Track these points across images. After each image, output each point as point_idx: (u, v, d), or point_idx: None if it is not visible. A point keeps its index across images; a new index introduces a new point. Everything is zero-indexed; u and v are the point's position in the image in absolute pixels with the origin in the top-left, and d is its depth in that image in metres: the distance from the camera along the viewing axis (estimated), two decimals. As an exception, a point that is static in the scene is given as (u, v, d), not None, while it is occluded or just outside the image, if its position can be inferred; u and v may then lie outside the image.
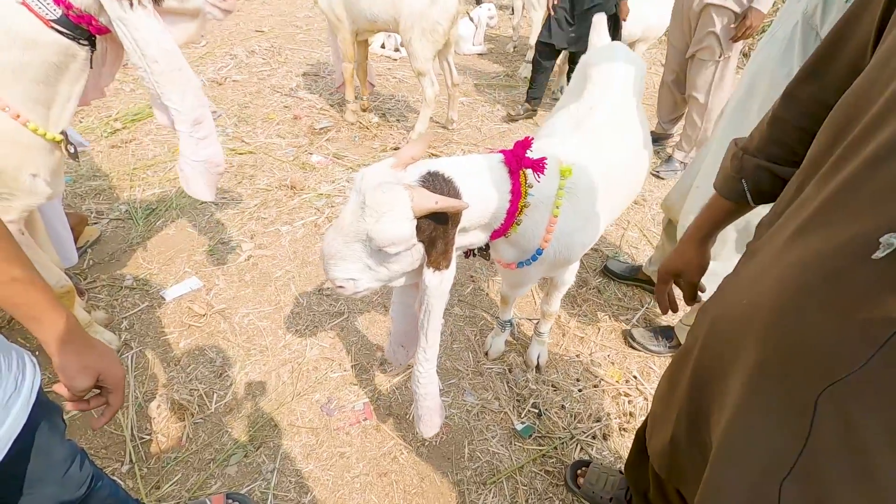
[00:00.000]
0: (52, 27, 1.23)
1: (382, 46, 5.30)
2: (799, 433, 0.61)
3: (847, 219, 0.57)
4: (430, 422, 1.31)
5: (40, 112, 1.33)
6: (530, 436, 1.77)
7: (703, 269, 1.02)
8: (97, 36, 1.36)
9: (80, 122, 3.41)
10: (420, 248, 1.02)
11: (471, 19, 5.50)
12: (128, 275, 2.28)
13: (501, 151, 1.16)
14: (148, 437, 1.67)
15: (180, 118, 1.48)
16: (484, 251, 1.34)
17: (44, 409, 0.77)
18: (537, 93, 3.99)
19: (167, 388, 1.83)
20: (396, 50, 5.25)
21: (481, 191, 1.09)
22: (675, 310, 1.12)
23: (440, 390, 1.33)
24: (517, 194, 1.13)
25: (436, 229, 1.00)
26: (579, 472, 1.60)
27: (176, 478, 1.57)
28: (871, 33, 0.66)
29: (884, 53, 0.61)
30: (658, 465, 1.02)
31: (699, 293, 1.08)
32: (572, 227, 1.31)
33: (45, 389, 1.74)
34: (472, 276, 2.44)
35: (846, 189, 0.58)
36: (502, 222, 1.17)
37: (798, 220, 0.65)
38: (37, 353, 1.90)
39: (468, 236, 1.17)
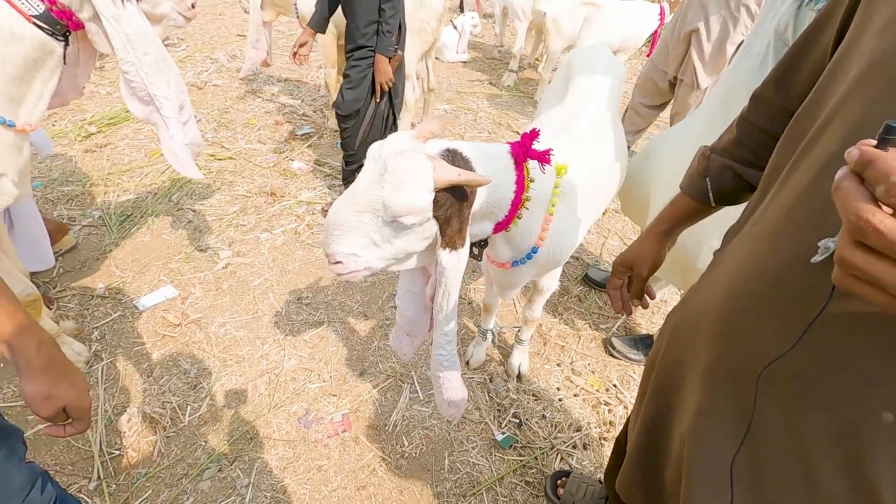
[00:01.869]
0: (34, 22, 1.23)
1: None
2: (744, 417, 0.65)
3: (792, 228, 0.59)
4: (457, 404, 1.27)
5: (11, 109, 1.32)
6: (511, 446, 1.76)
7: (656, 264, 1.01)
8: (72, 33, 1.36)
9: (54, 125, 3.33)
10: (432, 225, 0.99)
11: (454, 27, 5.53)
12: (100, 283, 2.22)
13: (509, 143, 1.16)
14: (118, 453, 1.62)
15: (168, 104, 1.50)
16: (477, 250, 1.34)
17: (0, 435, 0.74)
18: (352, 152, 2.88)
19: (139, 401, 1.77)
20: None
21: (494, 176, 1.08)
22: (628, 311, 1.09)
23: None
24: (521, 186, 1.14)
25: (452, 205, 0.98)
26: (559, 482, 1.60)
27: (146, 494, 1.52)
28: (829, 45, 0.68)
29: (830, 69, 0.63)
30: (619, 483, 1.00)
31: (647, 297, 1.07)
32: (565, 226, 1.33)
33: (7, 405, 1.68)
34: (453, 285, 2.43)
35: (792, 200, 0.60)
36: (506, 214, 1.17)
37: (753, 229, 0.68)
38: (1, 364, 1.84)
39: (475, 225, 1.15)
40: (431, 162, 0.93)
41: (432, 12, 3.05)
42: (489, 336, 2.02)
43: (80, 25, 1.35)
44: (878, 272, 0.36)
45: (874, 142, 0.38)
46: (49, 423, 0.77)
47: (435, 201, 0.95)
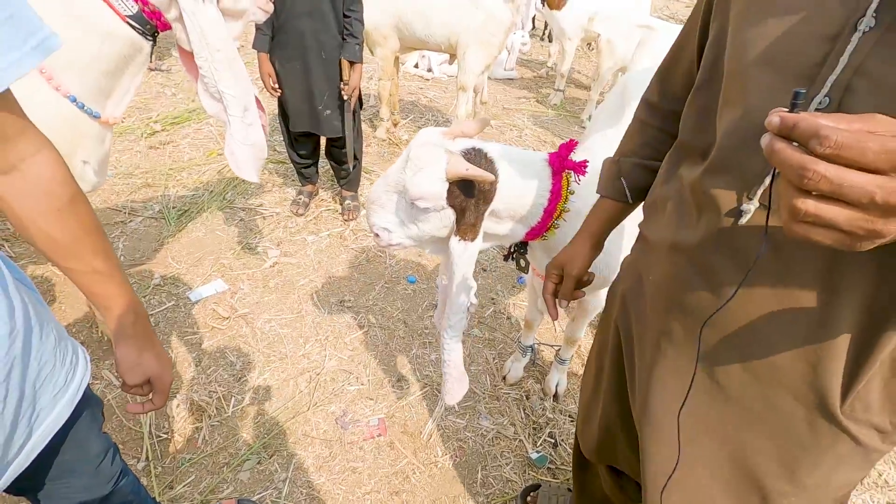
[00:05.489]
0: (127, 22, 1.33)
1: (416, 66, 5.41)
2: (689, 370, 0.73)
3: (710, 199, 0.67)
4: (452, 390, 1.33)
5: (101, 102, 1.42)
6: (545, 466, 1.73)
7: (585, 266, 1.05)
8: (159, 33, 1.46)
9: (122, 122, 3.53)
10: (449, 214, 1.08)
11: (504, 45, 5.60)
12: (156, 273, 2.33)
13: (549, 153, 1.20)
14: (165, 436, 1.68)
15: (234, 103, 1.58)
16: (519, 257, 1.37)
17: (87, 403, 0.79)
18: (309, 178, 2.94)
19: (187, 388, 1.84)
20: (429, 70, 5.36)
21: (519, 180, 1.13)
22: (553, 317, 1.11)
23: (464, 360, 1.36)
24: (556, 195, 1.16)
25: (468, 198, 1.06)
26: (529, 498, 1.58)
27: (189, 479, 1.57)
28: (695, 52, 0.80)
29: (710, 66, 0.73)
30: (589, 450, 1.10)
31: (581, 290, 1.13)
32: (612, 244, 1.31)
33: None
34: (492, 299, 2.44)
35: (709, 171, 0.68)
36: (539, 220, 1.19)
37: (674, 202, 0.76)
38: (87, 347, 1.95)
39: (502, 225, 1.20)
40: (447, 155, 1.01)
41: (500, 25, 3.11)
42: (528, 353, 2.01)
43: (167, 26, 1.44)
44: (830, 214, 0.41)
45: (786, 109, 0.43)
46: (131, 402, 0.84)
47: (450, 192, 1.04)
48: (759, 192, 0.61)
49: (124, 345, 0.77)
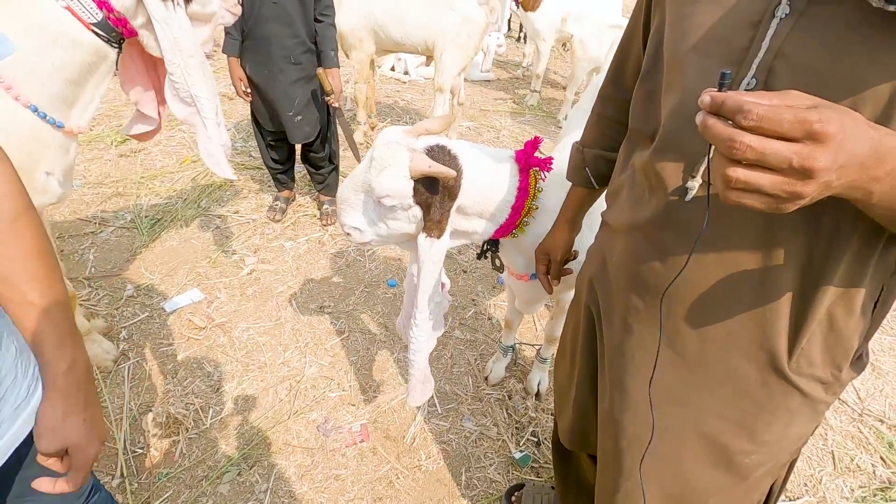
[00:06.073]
0: (92, 30, 1.30)
1: (392, 69, 5.40)
2: (653, 344, 0.77)
3: (659, 181, 0.72)
4: (416, 392, 1.35)
5: (64, 111, 1.38)
6: (528, 465, 1.74)
7: (567, 249, 1.17)
8: (125, 40, 1.43)
9: (91, 130, 3.44)
10: (416, 211, 1.10)
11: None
12: (129, 284, 2.28)
13: (515, 150, 1.22)
14: (140, 451, 1.64)
15: (208, 105, 1.57)
16: (493, 255, 1.38)
17: None
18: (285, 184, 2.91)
19: (163, 401, 1.80)
20: (406, 73, 5.35)
21: (484, 176, 1.15)
22: (549, 291, 1.25)
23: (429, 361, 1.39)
24: (524, 192, 1.18)
25: (433, 195, 1.08)
26: (513, 497, 1.59)
27: (167, 494, 1.53)
28: (640, 45, 0.85)
29: (651, 59, 0.77)
30: (565, 436, 1.13)
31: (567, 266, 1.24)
32: (586, 241, 1.33)
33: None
34: (473, 300, 2.44)
35: (656, 152, 0.73)
36: (507, 217, 1.20)
37: (628, 186, 0.82)
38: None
39: (470, 221, 1.21)
40: (410, 153, 1.03)
41: (476, 28, 3.15)
42: (509, 353, 2.02)
43: (133, 33, 1.41)
44: (758, 180, 0.45)
45: (715, 89, 0.47)
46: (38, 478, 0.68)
47: (415, 189, 1.05)
48: (701, 170, 0.67)
49: (48, 399, 0.65)
